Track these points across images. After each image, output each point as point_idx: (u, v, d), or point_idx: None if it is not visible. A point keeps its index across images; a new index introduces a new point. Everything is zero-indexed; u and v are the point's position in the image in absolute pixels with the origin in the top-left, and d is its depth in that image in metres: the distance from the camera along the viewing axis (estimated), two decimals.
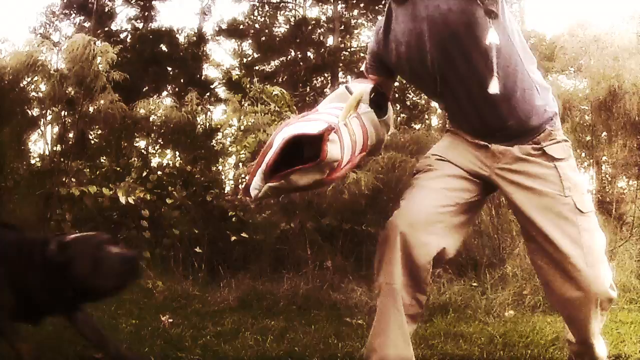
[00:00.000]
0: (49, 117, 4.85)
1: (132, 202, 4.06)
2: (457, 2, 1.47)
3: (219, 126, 5.13)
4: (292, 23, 14.74)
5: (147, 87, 12.67)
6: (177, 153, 5.26)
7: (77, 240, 1.70)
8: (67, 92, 4.65)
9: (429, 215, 1.59)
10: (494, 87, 1.46)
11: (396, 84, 3.10)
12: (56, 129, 4.90)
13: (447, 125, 1.99)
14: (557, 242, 1.53)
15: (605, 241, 1.60)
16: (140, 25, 14.57)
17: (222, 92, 12.97)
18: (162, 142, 5.24)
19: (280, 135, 1.40)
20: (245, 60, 15.20)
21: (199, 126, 5.10)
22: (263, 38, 14.78)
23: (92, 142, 5.51)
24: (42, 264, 1.67)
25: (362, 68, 1.83)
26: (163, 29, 14.33)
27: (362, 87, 1.67)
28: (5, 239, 1.79)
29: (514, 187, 1.61)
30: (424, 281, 1.60)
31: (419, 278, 1.59)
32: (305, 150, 1.42)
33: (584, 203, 1.56)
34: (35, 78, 4.62)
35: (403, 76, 1.81)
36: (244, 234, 3.95)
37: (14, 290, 1.68)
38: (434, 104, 9.06)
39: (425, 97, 9.08)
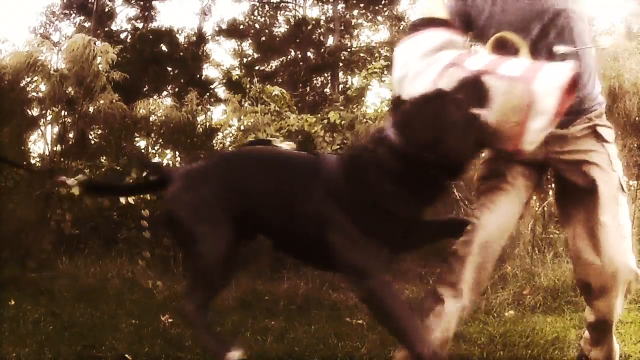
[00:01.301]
0: (49, 117, 4.85)
1: (132, 202, 4.05)
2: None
3: (219, 126, 5.12)
4: (292, 23, 14.76)
5: (147, 87, 12.70)
6: (177, 153, 5.25)
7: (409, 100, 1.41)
8: (67, 92, 4.65)
9: (503, 233, 1.74)
10: (562, 48, 1.62)
11: None
12: (56, 129, 4.89)
13: None
14: (598, 211, 1.64)
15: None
16: (140, 25, 14.61)
17: (222, 92, 13.00)
18: (162, 142, 5.24)
19: (539, 82, 1.39)
20: (245, 60, 15.22)
21: (199, 126, 5.09)
22: (263, 38, 14.82)
23: (92, 142, 5.49)
24: (386, 153, 1.35)
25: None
26: (163, 29, 14.38)
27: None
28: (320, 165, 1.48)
29: (566, 164, 1.74)
30: (480, 292, 1.76)
31: (480, 288, 1.72)
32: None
33: (624, 183, 1.71)
34: (35, 78, 4.62)
35: (480, 39, 1.84)
36: None
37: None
38: None
39: None
